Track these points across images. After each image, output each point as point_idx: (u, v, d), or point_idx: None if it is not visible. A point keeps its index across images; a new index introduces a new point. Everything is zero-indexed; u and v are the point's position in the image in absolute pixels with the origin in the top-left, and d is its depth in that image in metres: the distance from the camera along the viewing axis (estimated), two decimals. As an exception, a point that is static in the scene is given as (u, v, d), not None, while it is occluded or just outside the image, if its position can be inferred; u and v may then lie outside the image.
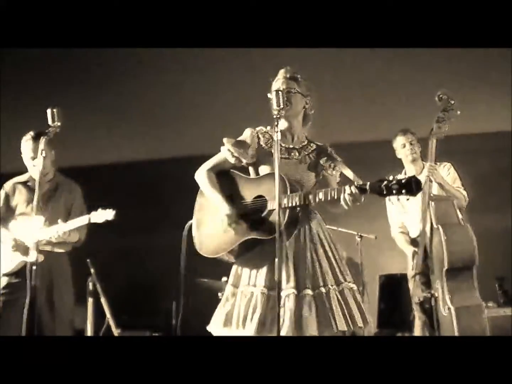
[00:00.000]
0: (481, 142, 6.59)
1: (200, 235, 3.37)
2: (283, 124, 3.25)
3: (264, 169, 3.29)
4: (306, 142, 3.36)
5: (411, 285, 4.43)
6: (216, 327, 3.19)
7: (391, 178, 2.77)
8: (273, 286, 3.03)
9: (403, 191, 2.74)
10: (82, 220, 4.30)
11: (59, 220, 4.29)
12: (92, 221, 4.27)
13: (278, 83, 3.29)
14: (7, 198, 4.60)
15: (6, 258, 4.44)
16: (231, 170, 3.38)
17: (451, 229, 4.24)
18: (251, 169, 3.38)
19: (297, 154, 3.30)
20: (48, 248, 4.42)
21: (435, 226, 4.23)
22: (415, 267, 4.32)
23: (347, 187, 2.90)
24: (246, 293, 3.15)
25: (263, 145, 3.32)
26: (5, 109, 5.75)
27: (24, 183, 4.56)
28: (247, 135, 3.35)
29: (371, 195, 2.85)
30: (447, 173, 4.69)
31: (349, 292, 3.12)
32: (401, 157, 4.86)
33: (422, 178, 4.28)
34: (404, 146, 4.79)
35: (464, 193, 4.62)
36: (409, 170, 4.79)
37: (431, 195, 4.29)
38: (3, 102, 5.64)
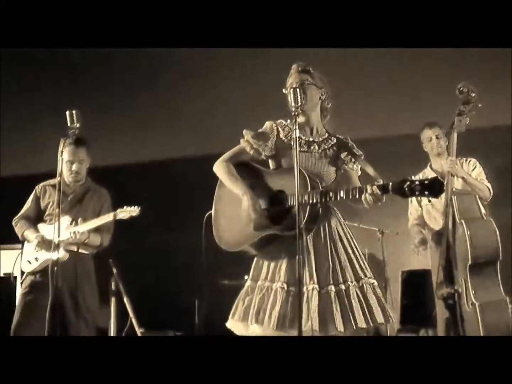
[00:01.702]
0: (503, 135, 6.49)
1: (220, 227, 3.35)
2: (301, 118, 3.22)
3: (283, 162, 3.29)
4: (326, 136, 3.34)
5: (434, 280, 4.39)
6: (234, 322, 3.18)
7: (414, 178, 2.75)
8: (292, 281, 3.02)
9: (426, 192, 2.71)
10: (107, 217, 4.39)
11: (80, 219, 4.35)
12: (117, 217, 4.36)
13: (291, 78, 3.30)
14: (37, 199, 4.71)
15: (31, 257, 4.51)
16: (250, 163, 3.37)
17: (474, 223, 4.20)
18: (271, 161, 3.37)
19: (316, 147, 3.28)
20: (74, 248, 4.48)
21: (458, 221, 4.18)
22: (438, 262, 4.28)
23: (368, 187, 2.89)
24: (264, 288, 3.14)
25: (283, 137, 3.31)
26: (6, 111, 5.80)
27: (55, 185, 4.62)
28: (266, 127, 3.35)
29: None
30: (473, 167, 4.66)
31: (370, 288, 3.10)
32: (427, 150, 4.83)
33: (447, 161, 4.27)
34: (431, 139, 4.75)
35: (488, 184, 4.57)
36: (435, 163, 4.78)
37: (454, 189, 4.25)
38: (3, 104, 5.69)
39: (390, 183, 2.83)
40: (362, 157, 3.29)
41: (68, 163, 4.55)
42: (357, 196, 2.93)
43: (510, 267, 4.38)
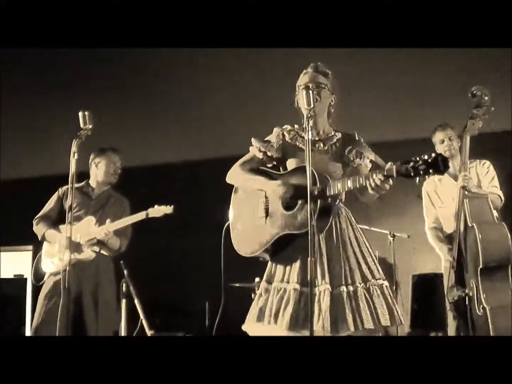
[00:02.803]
0: (505, 139, 6.49)
1: (237, 233, 3.40)
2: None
3: (291, 162, 3.33)
4: (332, 133, 3.37)
5: (445, 283, 4.38)
6: (249, 323, 3.21)
7: (417, 158, 2.73)
8: (305, 282, 3.03)
9: (431, 170, 2.69)
10: (140, 216, 4.49)
11: (108, 220, 4.49)
12: (150, 216, 4.46)
13: (307, 76, 3.32)
14: (60, 201, 4.79)
15: (55, 257, 4.54)
16: (261, 168, 3.42)
17: (486, 227, 4.17)
18: (280, 165, 3.42)
19: (321, 145, 3.31)
20: (96, 248, 4.54)
21: (469, 224, 4.17)
22: (450, 266, 4.27)
23: (373, 173, 2.89)
24: (279, 289, 3.17)
25: (289, 140, 3.37)
26: (6, 112, 5.84)
27: (79, 189, 4.73)
28: (273, 133, 3.42)
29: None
30: (486, 171, 4.63)
31: (377, 290, 3.10)
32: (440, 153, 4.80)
33: (460, 176, 4.25)
34: (443, 141, 4.72)
35: (500, 193, 4.55)
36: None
37: (466, 192, 4.24)
38: (4, 106, 5.73)
39: (394, 166, 2.81)
40: (368, 148, 3.29)
41: (110, 171, 4.79)
42: (363, 183, 2.93)
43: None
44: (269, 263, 3.32)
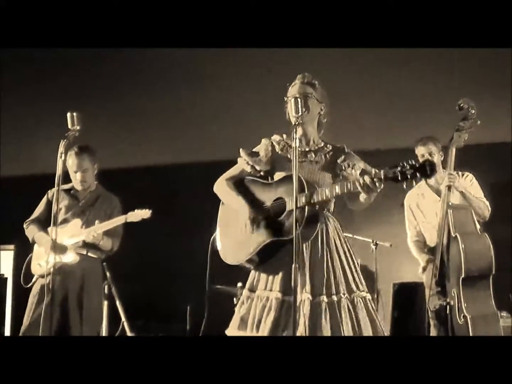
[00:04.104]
0: (496, 151, 6.54)
1: (225, 246, 3.41)
2: (298, 130, 3.27)
3: (281, 175, 3.32)
4: (322, 144, 3.38)
5: (427, 293, 4.41)
6: (232, 331, 3.22)
7: (404, 163, 2.76)
8: (288, 291, 3.05)
9: (418, 174, 2.73)
10: (118, 220, 4.45)
11: (97, 222, 4.43)
12: (128, 220, 4.42)
13: (295, 87, 3.34)
14: (49, 203, 4.71)
15: (42, 260, 4.52)
16: (249, 177, 3.42)
17: (469, 238, 4.23)
18: (268, 176, 3.41)
19: (313, 155, 3.32)
20: (83, 251, 4.50)
21: (453, 234, 4.22)
22: (432, 275, 4.30)
23: (361, 178, 2.91)
24: (262, 298, 3.18)
25: (278, 151, 3.37)
26: (6, 110, 5.80)
27: (67, 191, 4.69)
28: (262, 144, 3.42)
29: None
30: (470, 183, 4.68)
31: (361, 302, 3.12)
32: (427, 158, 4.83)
33: (443, 187, 4.29)
34: (423, 156, 4.75)
35: (487, 203, 4.61)
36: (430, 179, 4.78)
37: (450, 203, 4.28)
38: (3, 104, 5.69)
39: (382, 170, 2.85)
40: (359, 158, 3.31)
41: (73, 172, 4.62)
42: (351, 189, 2.95)
43: (501, 282, 4.39)
44: (252, 271, 3.32)
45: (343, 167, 3.30)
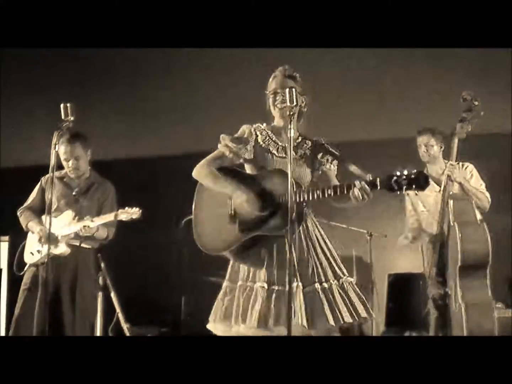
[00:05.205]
0: (496, 142, 6.53)
1: (202, 232, 3.33)
2: (279, 122, 3.30)
3: (261, 167, 3.28)
4: (300, 139, 3.35)
5: (428, 282, 4.43)
6: (215, 323, 3.19)
7: (399, 173, 2.78)
8: (272, 281, 3.07)
9: (413, 186, 2.78)
10: (108, 217, 4.41)
11: (87, 216, 4.41)
12: (118, 218, 4.38)
13: (277, 81, 3.29)
14: (43, 191, 4.70)
15: (34, 249, 4.51)
16: (231, 166, 3.32)
17: (467, 227, 4.26)
18: (248, 166, 3.34)
19: (293, 153, 3.19)
20: (76, 242, 4.49)
21: (451, 223, 4.25)
22: (431, 264, 4.34)
23: (357, 182, 2.89)
24: (245, 288, 3.14)
25: (261, 142, 3.30)
26: (6, 105, 5.79)
27: (61, 179, 4.66)
28: (244, 131, 3.33)
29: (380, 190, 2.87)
30: (470, 174, 4.70)
31: (349, 286, 3.14)
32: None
33: (443, 177, 4.30)
34: (420, 147, 4.78)
35: (487, 194, 4.63)
36: (430, 169, 4.81)
37: (450, 193, 4.31)
38: (3, 98, 5.68)
39: (378, 178, 2.86)
40: (339, 156, 3.31)
41: (64, 161, 4.58)
42: (345, 192, 2.94)
43: (498, 273, 4.40)
44: (231, 262, 3.28)
45: (323, 163, 3.32)
